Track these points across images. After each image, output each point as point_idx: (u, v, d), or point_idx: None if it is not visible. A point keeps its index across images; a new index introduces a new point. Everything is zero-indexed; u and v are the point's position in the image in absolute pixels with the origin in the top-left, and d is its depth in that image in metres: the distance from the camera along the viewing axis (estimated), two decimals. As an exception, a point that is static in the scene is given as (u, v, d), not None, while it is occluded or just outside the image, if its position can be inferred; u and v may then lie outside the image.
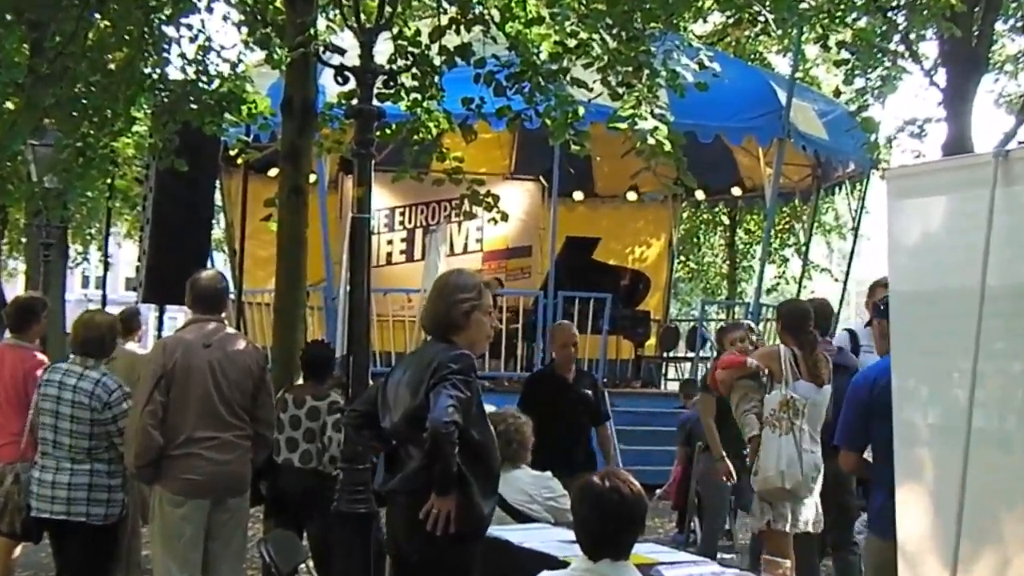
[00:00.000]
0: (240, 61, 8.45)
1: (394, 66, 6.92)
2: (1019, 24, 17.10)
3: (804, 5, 9.03)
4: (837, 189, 15.99)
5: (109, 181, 14.35)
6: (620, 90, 7.61)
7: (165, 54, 8.12)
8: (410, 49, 7.30)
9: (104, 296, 14.92)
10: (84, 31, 8.17)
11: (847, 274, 16.67)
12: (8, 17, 9.05)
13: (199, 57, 8.21)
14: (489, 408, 4.45)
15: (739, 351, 6.87)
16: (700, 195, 16.87)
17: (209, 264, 11.34)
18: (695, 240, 24.51)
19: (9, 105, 9.20)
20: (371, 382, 5.46)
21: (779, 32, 18.53)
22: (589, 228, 16.06)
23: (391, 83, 6.34)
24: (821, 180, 15.36)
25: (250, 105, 8.61)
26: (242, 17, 8.11)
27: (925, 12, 11.31)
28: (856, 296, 25.29)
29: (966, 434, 3.74)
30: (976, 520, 3.70)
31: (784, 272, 23.53)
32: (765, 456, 5.93)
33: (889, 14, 13.56)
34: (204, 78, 8.20)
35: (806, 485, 5.90)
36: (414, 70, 7.35)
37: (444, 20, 7.47)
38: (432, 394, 3.89)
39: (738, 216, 22.23)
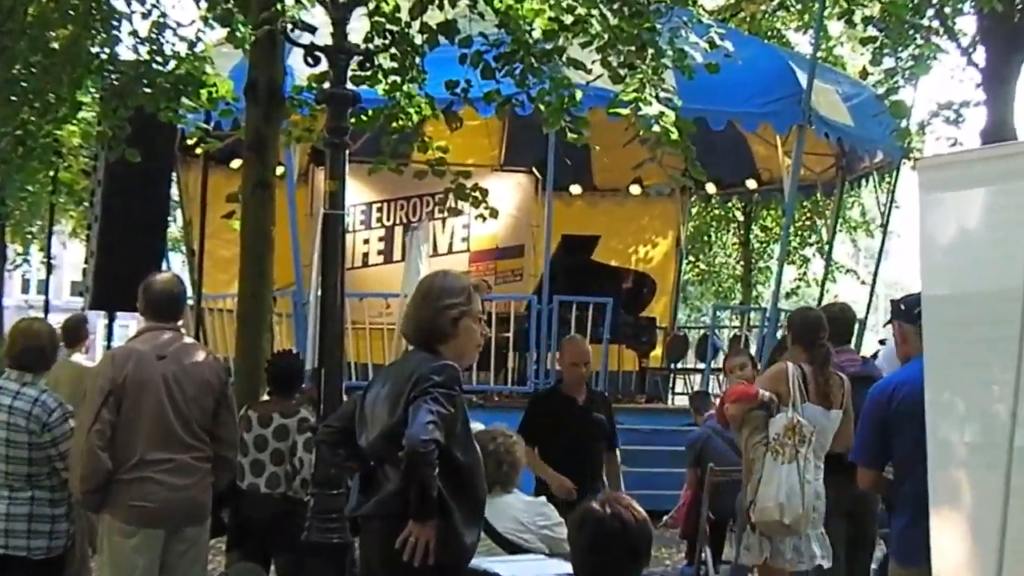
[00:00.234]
0: (199, 40, 8.42)
1: (370, 45, 6.93)
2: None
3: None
4: (864, 181, 16.00)
5: (52, 173, 14.27)
6: (622, 72, 7.61)
7: (115, 31, 8.10)
8: (388, 27, 7.29)
9: (47, 302, 14.85)
10: (23, 6, 8.15)
11: (875, 276, 16.71)
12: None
13: (153, 35, 8.18)
14: (477, 426, 4.45)
15: (743, 379, 6.91)
16: (711, 188, 16.88)
17: (165, 266, 11.32)
18: (706, 238, 24.57)
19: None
20: (345, 397, 5.46)
21: (799, 6, 18.66)
22: (588, 225, 16.06)
23: (367, 64, 6.35)
24: (846, 171, 15.37)
25: (210, 89, 8.59)
26: (201, -10, 8.12)
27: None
28: (885, 300, 25.33)
29: (1008, 453, 3.73)
30: (1020, 548, 3.70)
31: (805, 274, 23.60)
32: (765, 486, 5.94)
33: (922, -14, 13.63)
34: (158, 58, 8.18)
35: (807, 519, 5.92)
36: (392, 50, 7.35)
37: (426, -6, 7.48)
38: (411, 409, 3.89)
39: (753, 212, 22.27)
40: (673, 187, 16.96)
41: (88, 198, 10.67)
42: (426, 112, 8.19)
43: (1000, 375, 3.81)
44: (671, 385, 16.42)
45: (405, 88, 7.96)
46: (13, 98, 8.24)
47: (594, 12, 7.55)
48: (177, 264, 18.73)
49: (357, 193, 14.83)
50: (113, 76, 8.21)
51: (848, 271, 24.00)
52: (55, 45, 8.32)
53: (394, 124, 8.12)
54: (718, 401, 7.25)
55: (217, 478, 5.42)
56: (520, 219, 16.11)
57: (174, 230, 18.50)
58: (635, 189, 16.83)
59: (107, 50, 8.19)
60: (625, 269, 15.99)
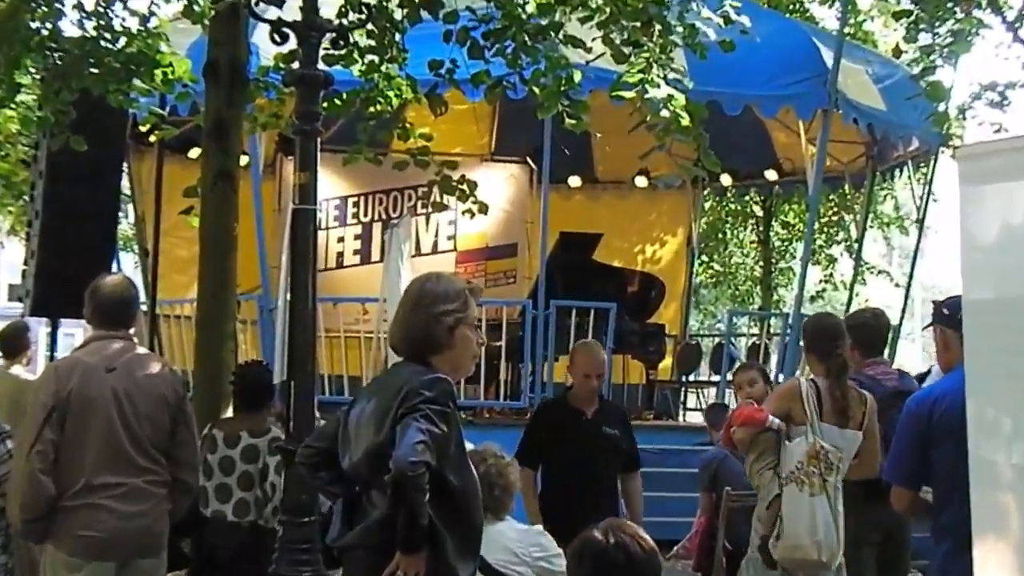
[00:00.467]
0: (152, 14, 8.41)
1: (345, 21, 6.92)
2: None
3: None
4: (897, 172, 16.02)
5: (-12, 164, 14.29)
6: (626, 50, 7.61)
7: (57, 4, 8.08)
8: (364, 0, 7.30)
9: (-18, 308, 14.84)
10: (-46, -24, 8.14)
11: (910, 277, 16.70)
12: None
13: (100, 8, 8.17)
14: (467, 446, 4.44)
15: (747, 397, 6.92)
16: (726, 180, 16.90)
17: (115, 268, 11.30)
18: (720, 236, 24.58)
19: None
20: (318, 414, 5.46)
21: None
22: (588, 222, 16.07)
23: (341, 42, 6.34)
24: (877, 161, 15.40)
25: (165, 69, 8.57)
26: (154, -42, 8.11)
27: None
28: (921, 305, 25.36)
29: (1059, 475, 3.74)
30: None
31: (831, 275, 23.62)
32: (793, 520, 5.97)
33: (962, -48, 13.63)
34: (107, 35, 8.16)
35: (839, 554, 6.00)
36: (369, 26, 7.36)
37: (407, -37, 7.49)
38: (399, 428, 3.89)
39: (774, 206, 22.28)
40: (683, 179, 16.97)
41: (28, 191, 10.64)
42: (407, 95, 8.19)
43: (1050, 388, 3.81)
44: (682, 400, 16.43)
45: (384, 69, 7.96)
46: (-57, 80, 8.23)
47: (595, -17, 7.57)
48: (129, 265, 18.68)
49: (330, 186, 14.81)
50: (56, 55, 8.19)
51: (880, 272, 23.99)
52: (-10, 20, 8.31)
53: (371, 109, 8.12)
54: (725, 423, 7.25)
55: (174, 504, 5.41)
56: (513, 215, 16.10)
57: (125, 227, 18.48)
58: (641, 181, 16.84)
59: (49, 25, 8.16)
60: (630, 270, 16.00)
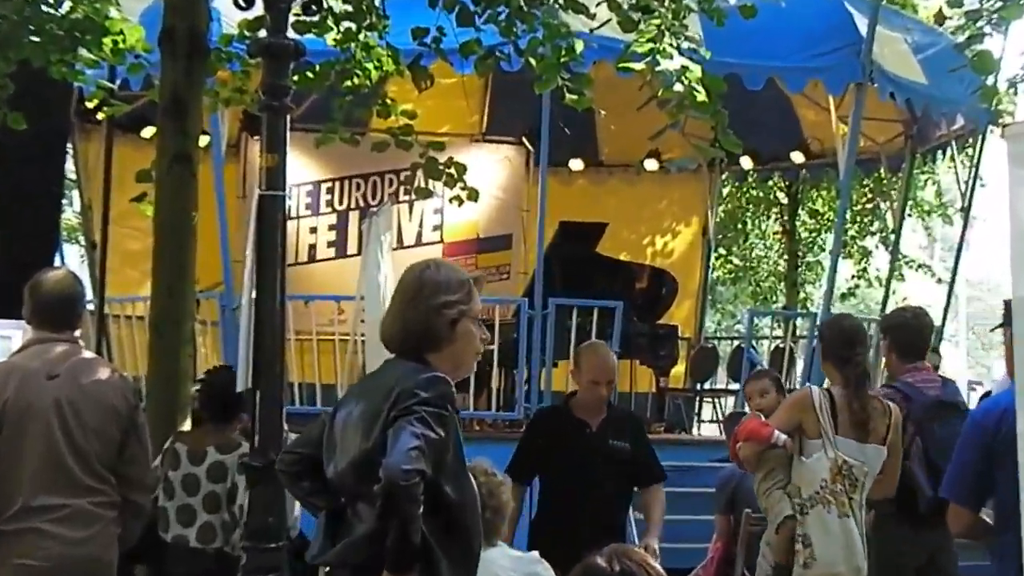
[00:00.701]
0: (100, -25, 8.42)
1: (317, -17, 6.92)
2: None
3: None
4: (940, 153, 16.02)
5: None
6: (634, 16, 7.61)
7: (-8, -35, 8.09)
8: (340, -41, 7.31)
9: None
10: None
11: (954, 272, 16.70)
12: None
13: (41, -31, 8.18)
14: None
15: (758, 408, 6.93)
16: (747, 163, 16.90)
17: (58, 261, 11.30)
18: (740, 226, 24.59)
19: None
20: (286, 427, 5.45)
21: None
22: (592, 210, 16.07)
23: (313, 7, 6.33)
24: (917, 141, 15.39)
25: (115, 37, 8.57)
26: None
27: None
28: (968, 303, 25.37)
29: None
30: None
31: (865, 270, 23.62)
32: (825, 546, 6.01)
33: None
34: (49, 0, 8.17)
35: None
36: (345, -12, 7.36)
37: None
38: (390, 432, 3.88)
39: (801, 192, 22.28)
40: (699, 162, 16.97)
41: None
42: (388, 68, 8.19)
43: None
44: (697, 410, 16.42)
45: (361, 37, 7.95)
46: None
47: (599, -60, 7.57)
48: (74, 259, 18.69)
49: (302, 170, 14.80)
50: (-8, 22, 8.19)
51: (920, 266, 23.98)
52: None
53: (348, 83, 8.12)
54: (731, 437, 7.27)
55: (125, 529, 5.40)
56: (507, 202, 16.11)
57: (70, 216, 18.47)
58: (651, 164, 16.84)
59: (-18, -11, 8.17)
60: (639, 265, 15.99)
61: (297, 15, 6.23)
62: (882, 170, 17.11)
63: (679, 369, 15.90)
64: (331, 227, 15.66)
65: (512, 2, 7.62)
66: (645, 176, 17.20)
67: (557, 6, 7.78)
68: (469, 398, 12.82)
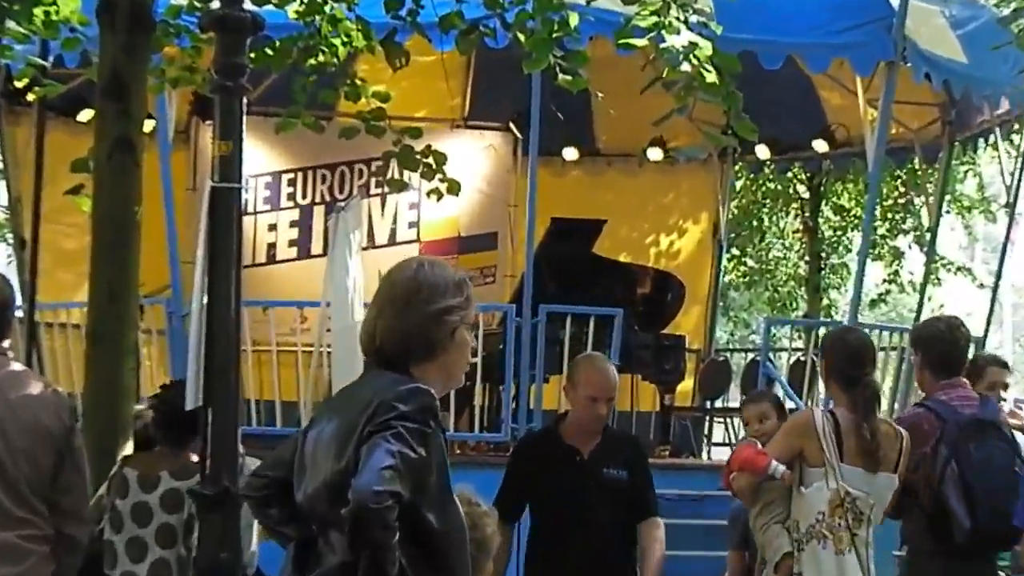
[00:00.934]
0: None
1: (278, -53, 6.93)
2: None
3: None
4: (981, 142, 16.05)
5: None
6: (636, -14, 7.63)
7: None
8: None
9: None
10: None
11: (998, 275, 16.70)
12: None
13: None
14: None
15: (756, 435, 6.94)
16: (763, 152, 16.89)
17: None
18: (756, 224, 24.62)
19: None
20: (241, 450, 5.45)
21: None
22: (588, 205, 16.10)
23: (273, -26, 6.34)
24: (955, 128, 15.41)
25: (48, 8, 8.55)
26: None
27: None
28: (1013, 311, 25.39)
29: None
30: None
31: (897, 273, 23.66)
32: None
33: None
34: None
35: None
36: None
37: None
38: (364, 449, 3.87)
39: (824, 185, 22.31)
40: (709, 151, 16.99)
41: None
42: (358, 44, 8.18)
43: None
44: (707, 432, 16.44)
45: (328, 9, 7.95)
46: None
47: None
48: (0, 259, 18.66)
49: (260, 159, 14.81)
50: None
51: (959, 269, 24.04)
52: None
53: (312, 61, 8.11)
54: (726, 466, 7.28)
55: (60, 566, 5.39)
56: (492, 196, 16.13)
57: (-4, 211, 18.44)
58: (655, 154, 16.84)
59: None
60: (641, 267, 16.01)
61: (255, -16, 6.25)
62: (916, 160, 17.11)
63: (686, 385, 15.91)
64: (293, 224, 15.66)
65: (498, -30, 7.64)
66: (648, 167, 17.21)
67: (549, -26, 7.79)
68: (450, 417, 12.81)
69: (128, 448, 6.81)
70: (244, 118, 5.59)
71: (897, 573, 7.30)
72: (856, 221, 22.72)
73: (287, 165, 15.42)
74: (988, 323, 15.73)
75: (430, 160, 8.76)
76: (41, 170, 10.06)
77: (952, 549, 6.30)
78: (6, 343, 5.52)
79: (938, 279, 22.42)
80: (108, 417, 7.18)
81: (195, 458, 6.50)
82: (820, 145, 16.71)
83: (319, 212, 15.47)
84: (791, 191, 23.46)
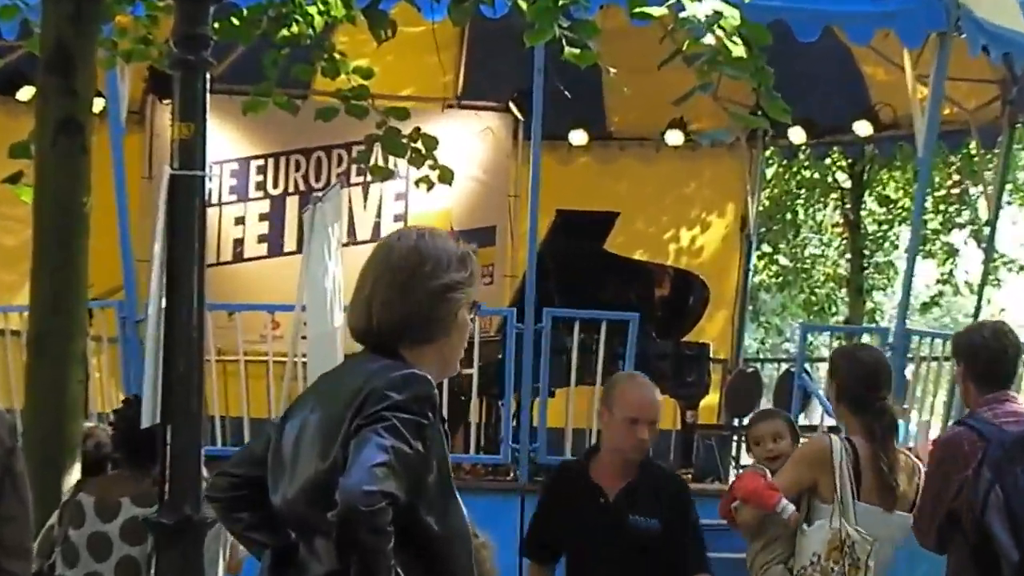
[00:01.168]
0: None
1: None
2: None
3: None
4: (1047, 123, 16.10)
5: None
6: (653, -53, 7.64)
7: None
8: None
9: None
10: None
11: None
12: None
13: None
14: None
15: (770, 456, 6.96)
16: (798, 136, 16.91)
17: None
18: (789, 217, 24.65)
19: None
20: (204, 472, 5.46)
21: None
22: (598, 196, 16.16)
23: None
24: (1017, 108, 15.42)
25: (-17, -26, 8.59)
26: None
27: None
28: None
29: None
30: None
31: (951, 273, 23.68)
32: None
33: None
34: None
35: None
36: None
37: None
38: (353, 444, 3.86)
39: (868, 173, 22.34)
40: (737, 134, 17.00)
41: None
42: (337, 13, 8.19)
43: None
44: (734, 453, 16.44)
45: (302, -28, 7.97)
46: None
47: None
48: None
49: (226, 143, 14.83)
50: None
51: (1023, 268, 24.08)
52: None
53: (285, 32, 8.12)
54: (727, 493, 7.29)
55: (0, 608, 5.40)
56: (489, 186, 16.16)
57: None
58: (675, 137, 16.87)
59: None
60: (659, 266, 16.00)
61: (220, -55, 6.25)
62: (972, 145, 17.17)
63: (711, 400, 15.92)
64: (263, 217, 15.69)
65: (496, -72, 7.66)
66: (667, 152, 17.26)
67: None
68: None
69: (76, 471, 6.81)
70: (207, 97, 5.60)
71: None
72: (904, 214, 22.78)
73: (256, 150, 15.45)
74: (1053, 328, 15.75)
75: (419, 145, 8.77)
76: (-24, 156, 10.09)
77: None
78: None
79: (997, 279, 22.48)
80: (53, 436, 7.17)
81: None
82: (862, 127, 16.73)
83: (293, 203, 15.50)
84: (830, 180, 23.51)
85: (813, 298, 26.15)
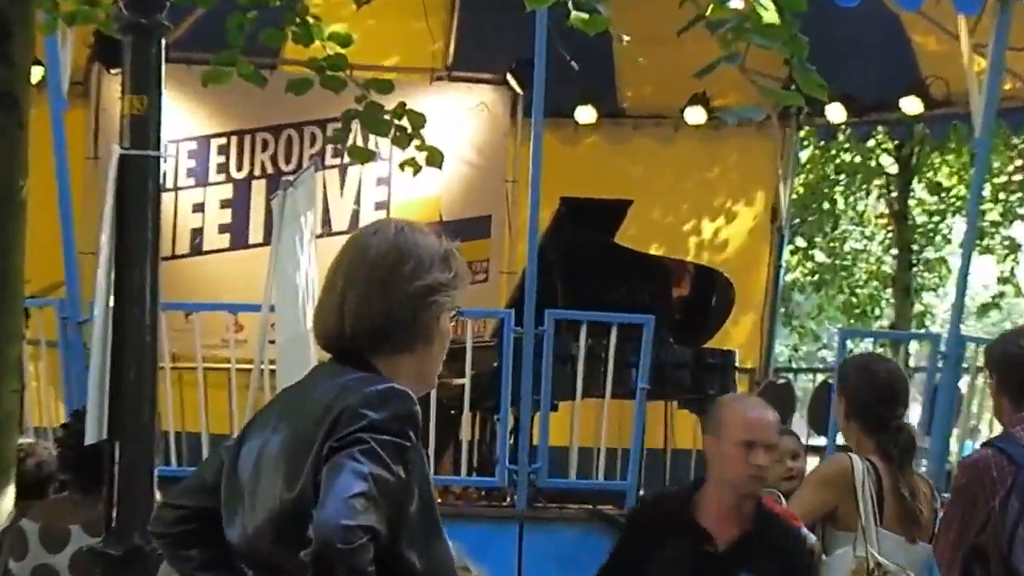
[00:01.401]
0: None
1: None
2: None
3: None
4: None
5: None
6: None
7: None
8: None
9: None
10: None
11: None
12: None
13: None
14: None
15: (785, 476, 6.97)
16: (837, 114, 16.92)
17: None
18: (827, 206, 24.66)
19: None
20: (157, 495, 5.45)
21: None
22: (609, 181, 16.21)
23: None
24: (1087, 84, 15.49)
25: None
26: None
27: None
28: None
29: None
30: None
31: (1012, 271, 23.69)
32: None
33: None
34: None
35: None
36: None
37: None
38: (325, 471, 3.85)
39: (917, 157, 22.35)
40: (767, 112, 17.02)
41: None
42: (311, -28, 8.22)
43: None
44: (763, 475, 16.46)
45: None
46: None
47: None
48: None
49: (183, 119, 14.85)
50: None
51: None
52: None
53: (251, -6, 8.15)
54: None
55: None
56: (484, 169, 16.20)
57: None
58: (695, 115, 16.89)
59: None
60: (677, 261, 16.00)
61: None
62: (1037, 124, 17.21)
63: (736, 414, 15.91)
64: (225, 204, 15.71)
65: None
66: (687, 132, 17.28)
67: None
68: (430, 456, 12.82)
69: (10, 494, 6.81)
70: (163, 66, 5.60)
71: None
72: (958, 203, 22.81)
73: (218, 128, 15.48)
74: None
75: (404, 122, 8.79)
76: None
77: None
78: None
79: (1064, 283, 22.49)
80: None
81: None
82: (911, 104, 16.71)
83: (259, 189, 15.52)
84: (873, 164, 23.51)
85: (854, 299, 26.17)
